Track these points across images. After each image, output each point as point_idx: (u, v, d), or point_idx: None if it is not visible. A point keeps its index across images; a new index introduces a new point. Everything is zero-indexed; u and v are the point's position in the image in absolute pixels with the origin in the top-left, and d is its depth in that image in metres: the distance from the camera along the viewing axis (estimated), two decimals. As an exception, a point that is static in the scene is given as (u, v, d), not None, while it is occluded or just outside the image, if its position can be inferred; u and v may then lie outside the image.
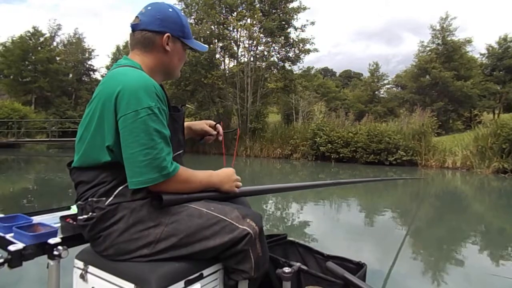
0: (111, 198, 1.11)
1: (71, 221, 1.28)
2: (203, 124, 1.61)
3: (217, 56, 17.86)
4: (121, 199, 1.11)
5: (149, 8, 1.25)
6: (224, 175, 1.32)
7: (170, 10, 1.26)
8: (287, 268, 1.33)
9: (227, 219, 1.17)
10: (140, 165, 1.05)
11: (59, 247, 1.10)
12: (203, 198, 1.23)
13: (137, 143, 1.05)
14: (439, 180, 9.96)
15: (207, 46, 1.47)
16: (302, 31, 17.87)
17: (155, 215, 1.13)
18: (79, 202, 1.16)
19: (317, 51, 18.32)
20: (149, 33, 1.23)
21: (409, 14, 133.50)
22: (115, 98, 1.07)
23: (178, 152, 1.28)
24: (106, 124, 1.09)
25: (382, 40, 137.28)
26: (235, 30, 17.74)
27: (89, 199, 1.12)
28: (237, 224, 1.16)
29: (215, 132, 1.62)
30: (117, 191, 1.12)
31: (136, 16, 1.25)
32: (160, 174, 1.07)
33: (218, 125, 1.63)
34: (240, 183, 1.37)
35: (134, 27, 1.25)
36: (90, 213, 1.12)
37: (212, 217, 1.16)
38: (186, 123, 1.57)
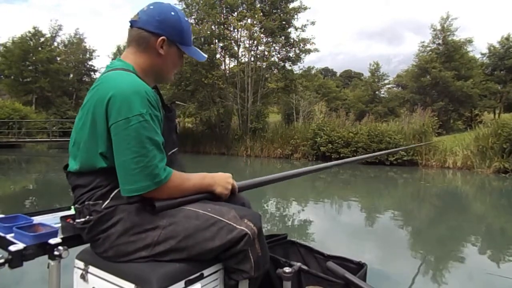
0: (107, 201, 1.11)
1: (71, 221, 1.28)
2: None
3: (218, 56, 17.84)
4: (118, 202, 1.11)
5: (151, 7, 1.22)
6: (219, 177, 1.29)
7: (172, 13, 1.22)
8: (287, 268, 1.33)
9: (224, 219, 1.16)
10: (132, 173, 1.05)
11: (60, 247, 1.10)
12: (198, 200, 1.22)
13: (129, 150, 1.04)
14: (440, 180, 9.94)
15: (206, 55, 1.38)
16: (303, 31, 17.89)
17: (152, 217, 1.12)
18: (76, 205, 1.16)
19: (317, 51, 18.34)
20: (145, 32, 1.21)
21: (411, 14, 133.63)
22: (106, 104, 1.06)
23: (173, 151, 1.27)
24: (98, 131, 1.09)
25: (383, 39, 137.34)
26: (235, 30, 17.74)
27: (86, 203, 1.12)
28: (234, 225, 1.15)
29: None
30: (113, 194, 1.11)
31: (137, 13, 1.23)
32: (152, 182, 1.06)
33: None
34: (235, 189, 1.34)
35: (132, 23, 1.23)
36: (88, 216, 1.11)
37: (209, 218, 1.15)
38: None
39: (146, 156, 1.05)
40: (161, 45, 1.22)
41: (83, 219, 1.13)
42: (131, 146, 1.04)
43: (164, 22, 1.21)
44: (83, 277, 1.20)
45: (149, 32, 1.21)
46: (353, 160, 3.35)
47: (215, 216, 1.16)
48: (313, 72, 25.42)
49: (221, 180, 1.29)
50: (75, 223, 1.18)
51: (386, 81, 36.86)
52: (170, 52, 1.25)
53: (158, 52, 1.22)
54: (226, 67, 18.73)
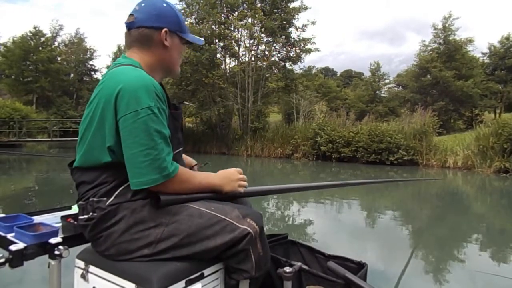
0: (112, 198, 1.11)
1: (72, 221, 1.28)
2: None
3: (218, 55, 17.84)
4: (122, 199, 1.11)
5: (143, 4, 1.23)
6: (223, 176, 1.30)
7: (165, 5, 1.25)
8: (288, 267, 1.33)
9: (227, 218, 1.16)
10: (140, 166, 1.05)
11: (60, 247, 1.10)
12: (202, 198, 1.22)
13: (137, 143, 1.05)
14: (441, 180, 9.93)
15: (203, 39, 1.45)
16: (303, 30, 17.87)
17: (155, 215, 1.12)
18: (80, 202, 1.16)
19: (318, 50, 18.31)
20: (146, 29, 1.21)
21: (413, 14, 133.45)
22: (115, 98, 1.07)
23: (178, 150, 1.27)
24: (106, 125, 1.09)
25: (385, 39, 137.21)
26: (236, 29, 17.73)
27: (90, 199, 1.12)
28: (237, 224, 1.16)
29: None
30: (117, 191, 1.12)
31: (131, 14, 1.23)
32: (160, 175, 1.07)
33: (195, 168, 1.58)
34: (245, 183, 1.34)
35: (130, 26, 1.23)
36: (91, 213, 1.11)
37: (212, 217, 1.16)
38: None
39: (155, 149, 1.06)
40: (165, 37, 1.23)
41: (86, 216, 1.13)
42: (140, 139, 1.05)
43: (161, 14, 1.23)
44: (83, 276, 1.20)
45: (151, 28, 1.22)
46: (359, 183, 3.36)
47: (219, 215, 1.17)
48: (313, 71, 25.41)
49: (226, 178, 1.30)
50: (77, 219, 1.19)
51: (386, 81, 36.88)
52: (173, 42, 1.27)
53: (164, 44, 1.24)
54: (227, 66, 18.73)
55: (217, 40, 17.54)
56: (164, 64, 1.28)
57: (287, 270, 1.31)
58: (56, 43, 32.54)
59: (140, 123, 1.05)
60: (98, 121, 1.10)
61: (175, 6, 1.29)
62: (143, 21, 1.21)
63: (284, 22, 17.60)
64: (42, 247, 1.11)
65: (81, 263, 1.21)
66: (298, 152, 14.51)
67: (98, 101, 1.11)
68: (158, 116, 1.08)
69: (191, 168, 1.56)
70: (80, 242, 1.24)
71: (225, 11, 17.91)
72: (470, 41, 26.29)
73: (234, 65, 18.48)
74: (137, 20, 1.21)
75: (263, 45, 17.92)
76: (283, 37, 17.69)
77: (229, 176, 1.31)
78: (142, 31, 1.21)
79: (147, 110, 1.06)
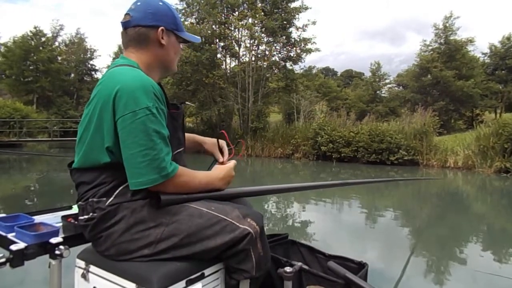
0: (111, 198, 1.11)
1: (72, 221, 1.28)
2: (216, 149, 1.49)
3: (219, 55, 17.85)
4: (122, 199, 1.11)
5: (138, 3, 1.23)
6: (223, 174, 1.31)
7: (160, 3, 1.24)
8: (288, 267, 1.34)
9: (227, 218, 1.16)
10: (139, 166, 1.05)
11: (61, 247, 1.10)
12: (203, 198, 1.23)
13: (136, 144, 1.05)
14: (441, 180, 9.92)
15: (199, 37, 1.45)
16: (304, 30, 17.88)
17: (155, 215, 1.12)
18: (80, 203, 1.17)
19: (318, 50, 18.32)
20: (142, 28, 1.21)
21: (413, 14, 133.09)
22: (113, 99, 1.07)
23: (179, 150, 1.27)
24: (105, 125, 1.09)
25: (385, 39, 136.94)
26: (236, 29, 17.73)
27: (90, 200, 1.12)
28: (237, 224, 1.16)
29: (222, 159, 1.46)
30: (117, 191, 1.12)
31: (126, 13, 1.23)
32: (159, 175, 1.07)
33: (224, 145, 1.51)
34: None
35: (126, 25, 1.23)
36: (91, 214, 1.12)
37: (212, 217, 1.16)
38: (199, 137, 1.55)
39: (154, 149, 1.06)
40: (161, 35, 1.23)
41: (86, 216, 1.13)
42: (138, 139, 1.05)
43: (157, 13, 1.22)
44: (84, 276, 1.20)
45: (147, 27, 1.21)
46: (359, 182, 3.36)
47: (219, 215, 1.17)
48: (314, 71, 25.42)
49: (226, 176, 1.31)
50: (78, 220, 1.19)
51: (387, 81, 36.84)
52: (170, 41, 1.27)
53: (160, 43, 1.24)
54: (227, 66, 18.75)
55: (217, 40, 17.55)
56: (161, 62, 1.28)
57: (288, 270, 1.32)
58: (56, 43, 32.58)
59: (138, 124, 1.05)
60: (96, 122, 1.10)
61: (171, 5, 1.29)
62: (139, 20, 1.21)
63: (285, 22, 17.60)
64: (43, 247, 1.11)
65: (81, 263, 1.22)
66: (298, 152, 14.50)
67: (97, 102, 1.11)
68: (156, 116, 1.08)
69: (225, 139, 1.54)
70: (80, 242, 1.24)
71: (225, 11, 17.92)
72: (471, 41, 26.28)
73: (234, 65, 18.49)
74: (133, 19, 1.21)
75: (264, 45, 17.92)
76: (284, 37, 17.69)
77: (229, 174, 1.32)
78: (139, 30, 1.21)
79: (146, 110, 1.05)
